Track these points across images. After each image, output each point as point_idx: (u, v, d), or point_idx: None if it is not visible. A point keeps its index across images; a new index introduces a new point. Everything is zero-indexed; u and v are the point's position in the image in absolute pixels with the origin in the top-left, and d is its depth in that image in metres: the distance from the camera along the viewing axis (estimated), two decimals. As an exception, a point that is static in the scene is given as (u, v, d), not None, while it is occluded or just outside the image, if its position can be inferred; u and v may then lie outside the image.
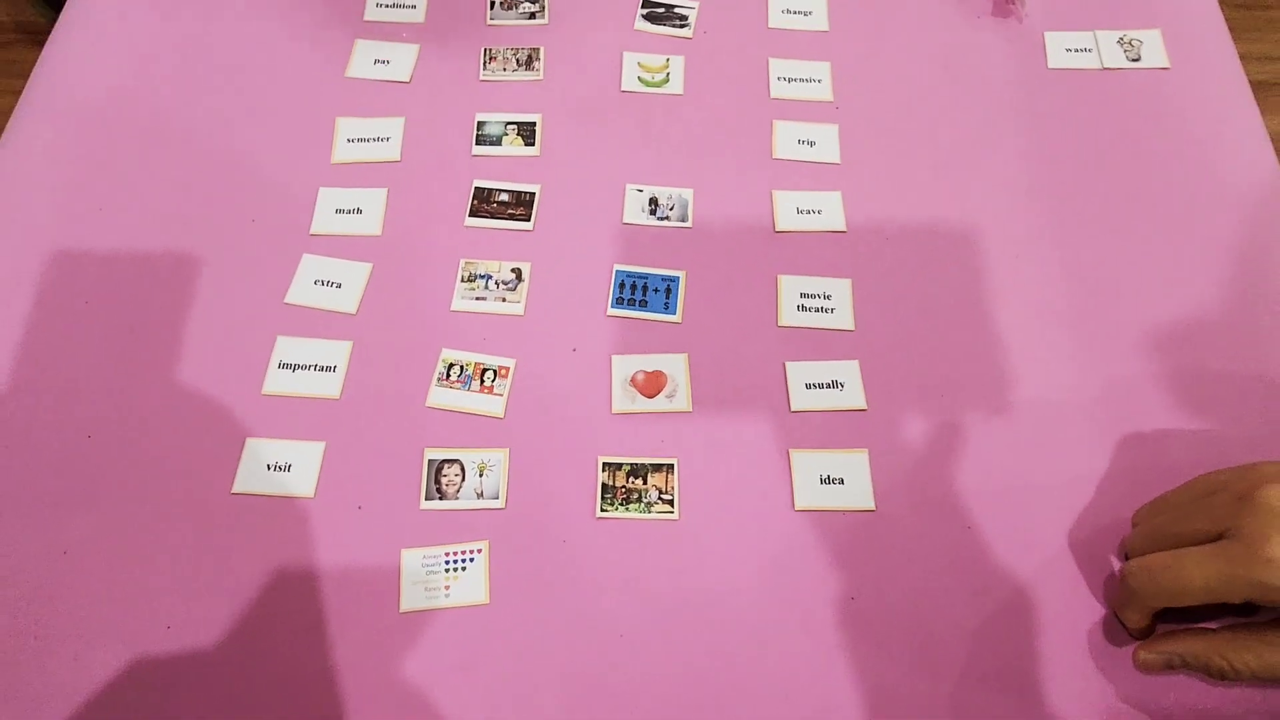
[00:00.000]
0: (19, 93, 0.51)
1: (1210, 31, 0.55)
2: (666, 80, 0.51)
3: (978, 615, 0.37)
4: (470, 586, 0.38)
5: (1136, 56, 0.53)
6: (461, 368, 0.43)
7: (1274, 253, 0.46)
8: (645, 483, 0.40)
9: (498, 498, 0.40)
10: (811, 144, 0.50)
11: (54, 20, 0.54)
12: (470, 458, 0.41)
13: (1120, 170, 0.49)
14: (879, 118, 0.51)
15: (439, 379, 0.42)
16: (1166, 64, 0.52)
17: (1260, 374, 0.43)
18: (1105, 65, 0.52)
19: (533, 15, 0.54)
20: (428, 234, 0.47)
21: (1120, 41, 0.53)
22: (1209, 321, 0.44)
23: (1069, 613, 0.37)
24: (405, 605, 0.37)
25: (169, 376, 0.42)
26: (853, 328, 0.44)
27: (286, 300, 0.44)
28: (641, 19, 0.54)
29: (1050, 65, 0.53)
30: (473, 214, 0.47)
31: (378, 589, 0.38)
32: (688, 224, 0.47)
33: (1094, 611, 0.37)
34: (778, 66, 0.53)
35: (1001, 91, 0.52)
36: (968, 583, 0.38)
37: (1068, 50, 0.53)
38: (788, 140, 0.50)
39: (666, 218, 0.47)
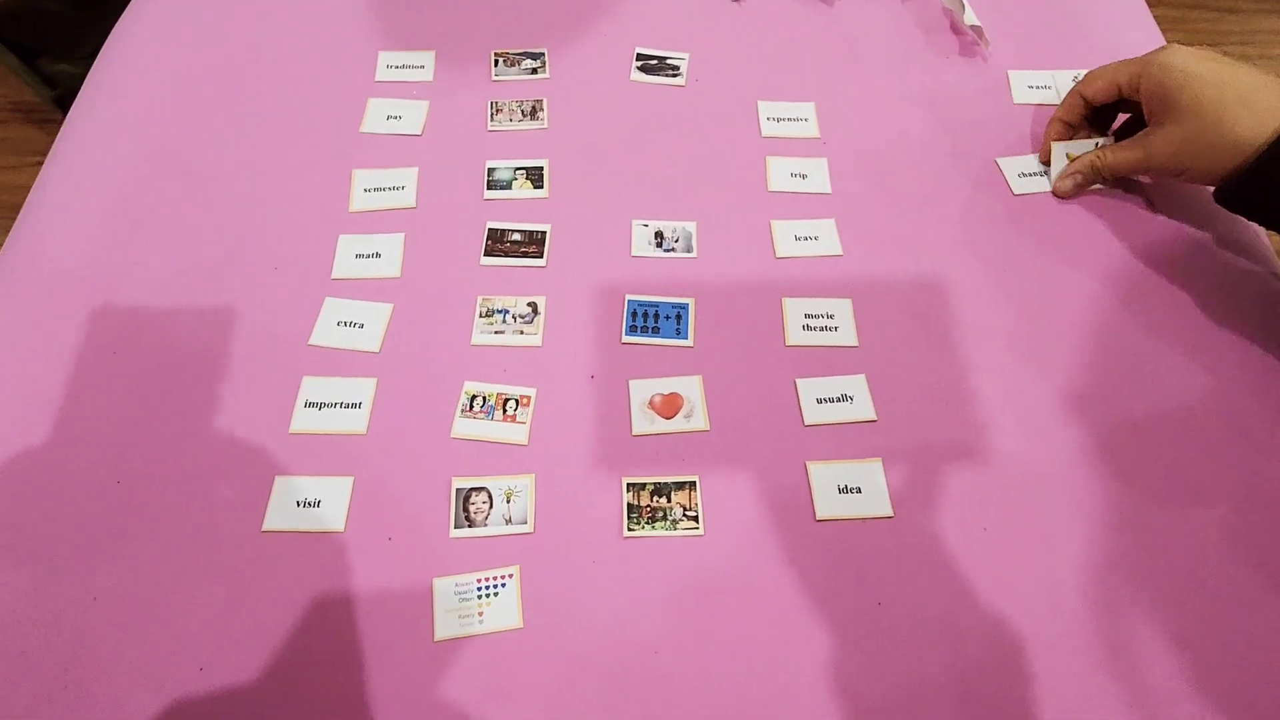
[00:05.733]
0: (15, 168, 0.53)
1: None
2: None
3: (1000, 613, 0.38)
4: (503, 611, 0.38)
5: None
6: (484, 398, 0.44)
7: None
8: (669, 501, 0.41)
9: (526, 522, 0.40)
10: (804, 176, 0.53)
11: (50, 99, 0.56)
12: (497, 485, 0.41)
13: (1087, 192, 0.53)
14: (863, 150, 0.55)
15: (463, 410, 0.43)
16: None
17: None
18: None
19: (535, 71, 0.58)
20: (445, 274, 0.48)
21: (1075, 79, 0.58)
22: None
23: (1088, 606, 0.39)
24: (440, 633, 0.37)
25: (197, 421, 0.43)
26: (856, 344, 0.46)
27: (311, 342, 0.45)
28: (636, 70, 0.58)
29: (1015, 101, 0.57)
30: (488, 253, 0.49)
31: (412, 619, 0.38)
32: (693, 254, 0.50)
33: (1110, 604, 0.39)
34: (766, 108, 0.56)
35: (973, 123, 0.56)
36: (988, 581, 0.39)
37: (1030, 87, 0.58)
38: (781, 174, 0.53)
39: (672, 249, 0.50)
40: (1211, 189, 0.47)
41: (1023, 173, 0.54)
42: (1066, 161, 0.53)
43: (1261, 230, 0.51)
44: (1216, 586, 0.39)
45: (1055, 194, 0.52)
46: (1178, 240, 0.51)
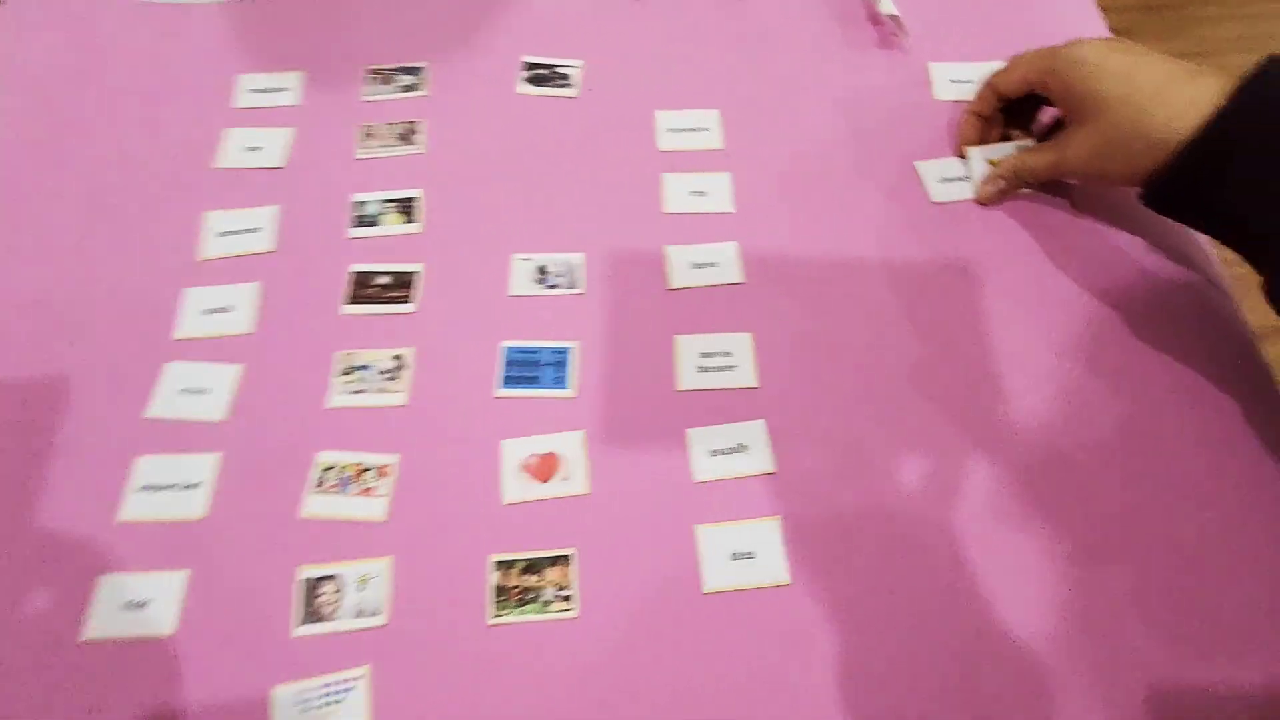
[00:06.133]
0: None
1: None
2: None
3: (912, 691, 0.35)
4: None
5: (1021, 81, 0.53)
6: (339, 470, 0.40)
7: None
8: (541, 579, 0.37)
9: (379, 613, 0.36)
10: (704, 194, 0.48)
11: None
12: (349, 571, 0.37)
13: (1013, 197, 0.48)
14: (770, 161, 0.50)
15: (314, 486, 0.39)
16: (1054, 85, 0.52)
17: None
18: (991, 91, 0.52)
19: (411, 88, 0.52)
20: (303, 327, 0.44)
21: (1002, 69, 0.53)
22: (1109, 335, 0.43)
23: (1001, 661, 0.34)
24: (278, 750, 0.34)
25: (7, 513, 0.38)
26: (756, 384, 0.42)
27: (147, 414, 0.41)
28: (524, 82, 0.53)
29: (936, 96, 0.52)
30: (351, 301, 0.44)
31: (247, 735, 0.34)
32: (579, 290, 0.45)
33: (1036, 668, 0.35)
34: (665, 118, 0.51)
35: (890, 124, 0.51)
36: (892, 654, 0.35)
37: (952, 81, 0.53)
38: (678, 193, 0.48)
39: (556, 286, 0.45)
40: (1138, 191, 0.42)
41: (944, 177, 0.49)
42: (987, 167, 0.48)
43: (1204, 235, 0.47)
44: (1146, 641, 0.35)
45: (979, 201, 0.48)
46: (1109, 249, 0.46)
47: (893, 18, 0.54)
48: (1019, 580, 0.37)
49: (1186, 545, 0.37)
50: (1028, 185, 0.48)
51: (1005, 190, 0.47)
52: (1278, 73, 0.37)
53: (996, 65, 0.51)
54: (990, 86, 0.48)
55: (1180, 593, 0.36)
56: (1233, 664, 0.35)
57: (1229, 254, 0.41)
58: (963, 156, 0.49)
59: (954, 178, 0.49)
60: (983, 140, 0.49)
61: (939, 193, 0.48)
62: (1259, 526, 0.38)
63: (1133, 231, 0.47)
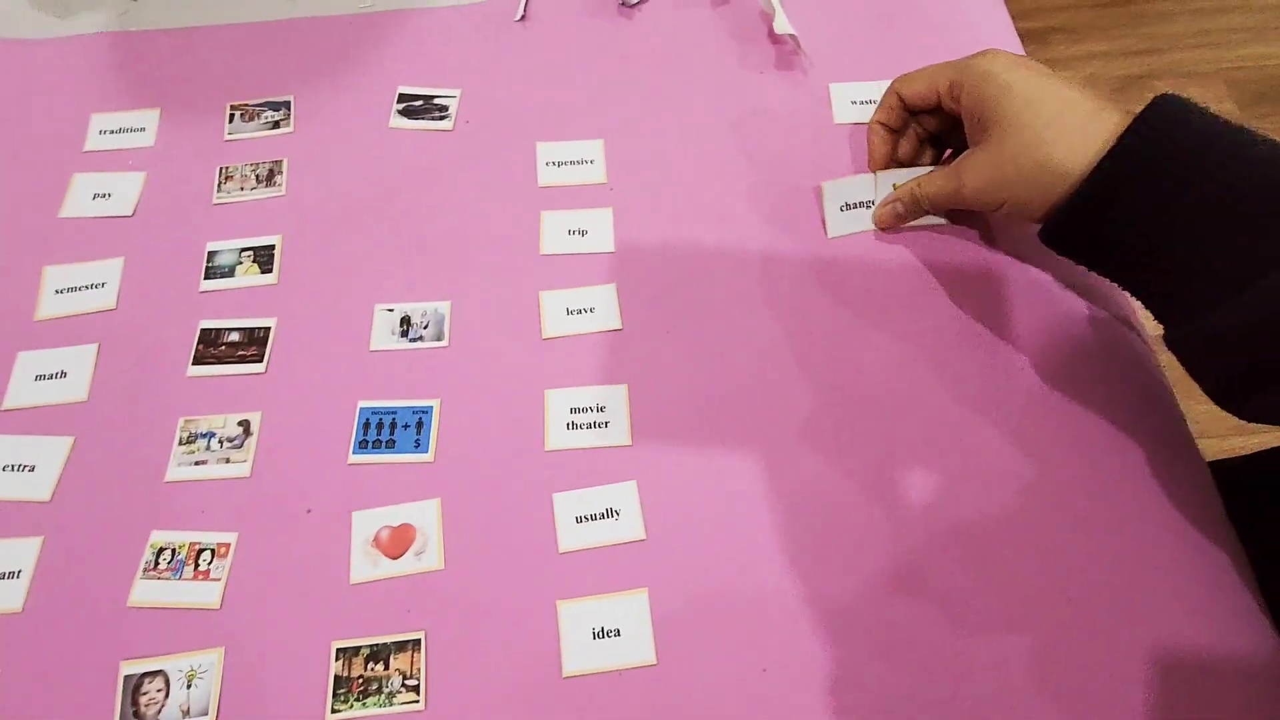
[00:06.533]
0: None
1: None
2: None
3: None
4: (170, 835, 0.31)
5: (926, 101, 0.50)
6: (173, 551, 0.37)
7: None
8: (387, 667, 0.34)
9: (207, 714, 0.33)
10: (584, 233, 0.46)
11: None
12: (176, 665, 0.34)
13: (924, 229, 0.45)
14: (655, 193, 0.47)
15: (145, 569, 0.36)
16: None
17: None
18: (893, 114, 0.50)
19: (276, 124, 0.49)
20: (143, 392, 0.40)
21: (905, 85, 0.51)
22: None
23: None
24: None
25: None
26: (629, 442, 0.39)
27: (-34, 495, 0.38)
28: (397, 114, 0.50)
29: (836, 120, 0.49)
30: (196, 361, 0.41)
31: None
32: (443, 343, 0.42)
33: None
34: (546, 150, 0.48)
35: (784, 150, 0.48)
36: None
37: (853, 103, 0.50)
38: (556, 232, 0.45)
39: (420, 338, 0.42)
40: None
41: (844, 205, 0.46)
42: (891, 190, 0.46)
43: None
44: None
45: (877, 225, 0.45)
46: (1020, 289, 0.43)
47: (791, 37, 0.52)
48: (903, 657, 0.34)
49: (1090, 611, 0.35)
50: (931, 214, 0.45)
51: (903, 216, 0.44)
52: (1171, 109, 0.35)
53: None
54: (893, 93, 0.45)
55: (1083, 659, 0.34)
56: None
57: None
58: (874, 170, 0.46)
59: (856, 203, 0.46)
60: (892, 154, 0.46)
61: (837, 226, 0.45)
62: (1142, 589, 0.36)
63: (1046, 268, 0.44)
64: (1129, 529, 0.36)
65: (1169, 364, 0.39)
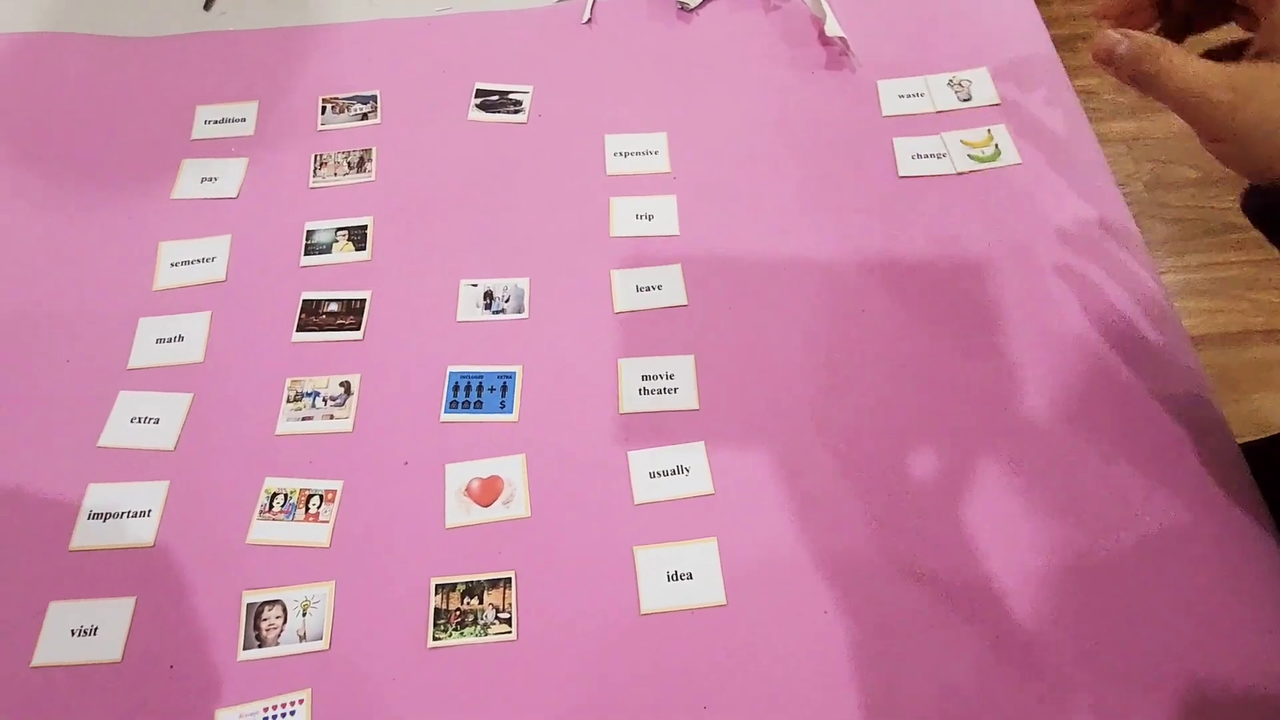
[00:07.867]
0: None
1: (1039, 63, 0.55)
2: (997, 154, 0.49)
3: (841, 709, 0.35)
4: (292, 743, 0.35)
5: (967, 96, 0.53)
6: (286, 496, 0.40)
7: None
8: (481, 602, 0.38)
9: (321, 638, 0.37)
10: (650, 218, 0.49)
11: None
12: (292, 596, 0.38)
13: (966, 213, 0.48)
14: (715, 183, 0.50)
15: (261, 511, 0.40)
16: (997, 100, 0.52)
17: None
18: (938, 108, 0.53)
19: (365, 116, 0.53)
20: (253, 355, 0.45)
21: (950, 83, 0.53)
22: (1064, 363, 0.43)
23: (938, 698, 0.35)
24: (220, 774, 0.34)
25: (-35, 544, 0.39)
26: (697, 406, 0.43)
27: (100, 443, 0.42)
28: (475, 109, 0.54)
29: (885, 113, 0.53)
30: (300, 329, 0.45)
31: (190, 759, 0.35)
32: (524, 315, 0.46)
33: (955, 690, 0.35)
34: (614, 142, 0.52)
35: (838, 145, 0.52)
36: (828, 676, 0.36)
37: (900, 96, 0.53)
38: (625, 216, 0.49)
39: (502, 310, 0.46)
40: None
41: (916, 154, 0.49)
42: (962, 149, 0.48)
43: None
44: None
45: (1093, 55, 0.33)
46: (1089, 292, 0.46)
47: (840, 39, 0.55)
48: (959, 604, 0.37)
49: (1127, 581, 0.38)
50: (1134, 83, 0.32)
51: (1115, 56, 0.32)
52: None
53: (947, 76, 0.53)
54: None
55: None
56: None
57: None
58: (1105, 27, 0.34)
59: (926, 154, 0.49)
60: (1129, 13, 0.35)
61: (906, 168, 0.49)
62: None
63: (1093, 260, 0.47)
64: (1169, 509, 0.39)
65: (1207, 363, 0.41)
